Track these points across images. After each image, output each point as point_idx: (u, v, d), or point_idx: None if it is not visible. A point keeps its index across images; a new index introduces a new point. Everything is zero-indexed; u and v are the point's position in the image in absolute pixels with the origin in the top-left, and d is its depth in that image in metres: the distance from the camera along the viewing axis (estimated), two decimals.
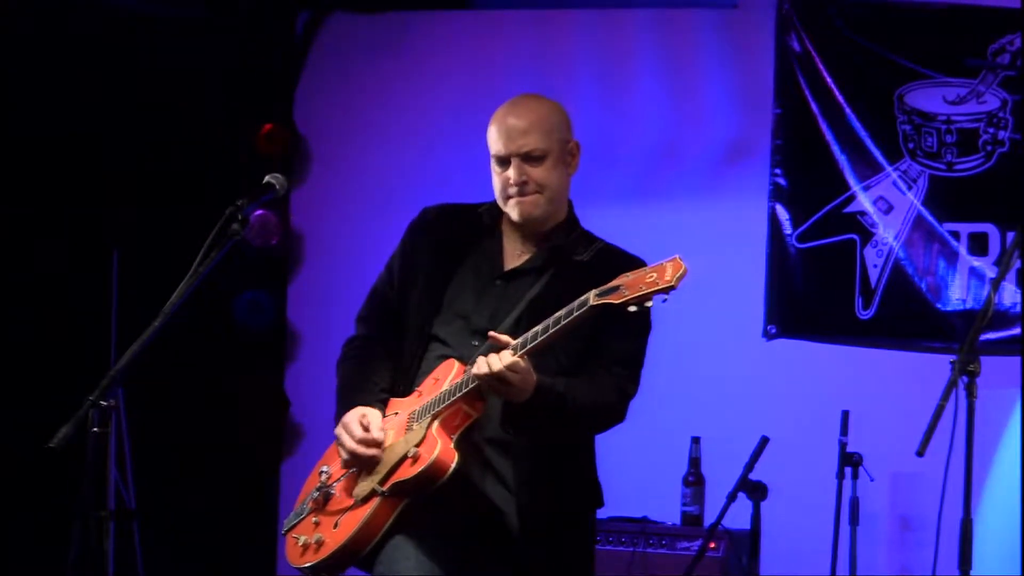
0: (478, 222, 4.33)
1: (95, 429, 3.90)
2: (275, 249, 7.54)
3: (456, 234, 4.33)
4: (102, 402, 3.90)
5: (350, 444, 4.15)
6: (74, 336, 7.16)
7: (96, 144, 7.29)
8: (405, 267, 4.36)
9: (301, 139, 7.65)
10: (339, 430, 4.19)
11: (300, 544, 4.21)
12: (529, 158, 4.19)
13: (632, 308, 3.87)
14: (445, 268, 4.29)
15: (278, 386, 7.63)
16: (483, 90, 7.21)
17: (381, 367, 4.30)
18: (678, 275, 3.84)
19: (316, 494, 4.25)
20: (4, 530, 7.05)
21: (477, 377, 3.99)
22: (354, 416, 4.19)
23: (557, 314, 3.95)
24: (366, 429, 4.15)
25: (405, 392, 4.25)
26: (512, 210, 4.24)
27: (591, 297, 3.91)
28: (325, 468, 4.27)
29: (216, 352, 7.49)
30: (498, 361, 3.96)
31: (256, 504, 7.52)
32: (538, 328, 3.97)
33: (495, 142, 4.23)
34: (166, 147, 7.40)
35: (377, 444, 4.14)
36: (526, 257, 4.26)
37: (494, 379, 3.96)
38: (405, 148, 7.47)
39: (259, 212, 7.31)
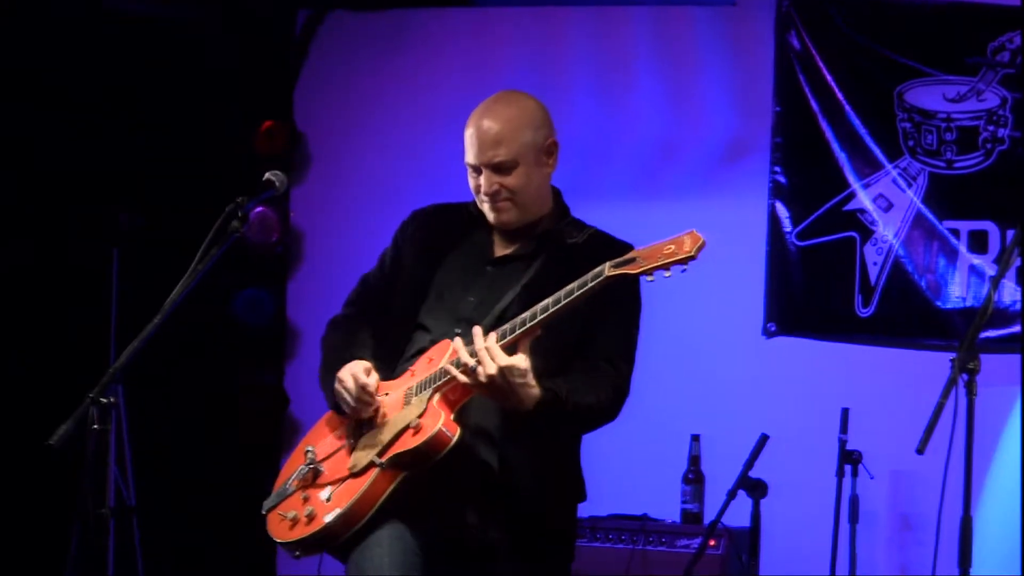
0: (467, 215, 4.33)
1: (95, 426, 3.91)
2: (275, 246, 7.55)
3: (445, 228, 4.34)
4: (102, 399, 3.92)
5: (355, 385, 4.11)
6: (74, 333, 7.16)
7: (97, 143, 7.29)
8: (395, 260, 4.37)
9: (301, 136, 7.66)
10: (343, 373, 4.15)
11: (288, 518, 4.16)
12: (499, 168, 4.19)
13: (650, 278, 3.87)
14: (433, 257, 4.30)
15: (278, 383, 7.64)
16: (482, 87, 7.13)
17: (366, 340, 4.29)
18: (697, 246, 3.83)
19: (305, 470, 4.21)
20: (4, 527, 7.06)
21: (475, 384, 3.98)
22: (358, 364, 4.16)
23: (569, 286, 3.93)
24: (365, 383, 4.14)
25: (388, 374, 4.23)
26: (487, 214, 4.26)
27: (607, 268, 3.89)
28: (310, 448, 4.25)
29: (216, 349, 7.50)
30: (492, 365, 3.94)
31: (256, 501, 7.51)
32: (549, 300, 3.95)
33: (467, 149, 4.23)
34: (166, 145, 7.41)
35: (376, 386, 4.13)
36: (516, 245, 4.26)
37: (493, 379, 3.94)
38: (405, 145, 7.48)
39: (259, 209, 7.32)
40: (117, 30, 7.31)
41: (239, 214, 4.12)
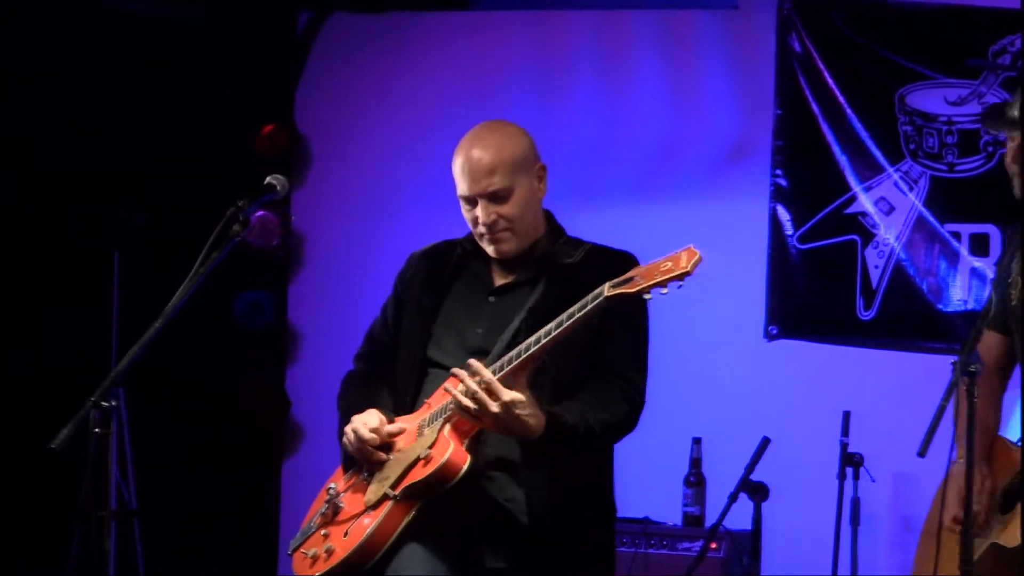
0: (462, 250, 4.33)
1: (96, 430, 3.90)
2: (276, 250, 7.54)
3: (443, 265, 4.34)
4: (103, 403, 3.91)
5: (361, 434, 4.14)
6: (75, 336, 7.15)
7: (97, 143, 7.29)
8: (397, 306, 4.38)
9: (302, 139, 7.65)
10: (348, 427, 4.18)
11: (309, 556, 4.18)
12: (496, 197, 4.17)
13: (647, 296, 3.88)
14: (435, 296, 4.30)
15: (279, 386, 7.63)
16: (483, 90, 7.22)
17: (383, 395, 4.30)
18: (693, 261, 3.84)
19: (324, 508, 4.23)
20: (6, 530, 7.05)
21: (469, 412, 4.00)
22: (361, 416, 4.19)
23: (570, 309, 3.94)
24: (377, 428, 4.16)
25: (406, 413, 4.24)
26: (486, 247, 4.25)
27: (605, 288, 3.90)
28: (332, 485, 4.27)
29: (217, 352, 7.49)
30: (495, 404, 3.95)
31: (257, 504, 7.52)
32: (551, 325, 3.96)
33: (459, 182, 4.21)
34: (167, 147, 7.40)
35: (385, 435, 4.15)
36: (515, 273, 4.26)
37: (498, 416, 3.96)
38: (406, 148, 7.47)
39: (260, 213, 7.28)
40: (117, 30, 7.30)
41: (240, 218, 4.11)
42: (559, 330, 3.94)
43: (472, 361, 4.02)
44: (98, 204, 7.29)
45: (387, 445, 4.17)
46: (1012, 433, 6.43)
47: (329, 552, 4.13)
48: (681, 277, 3.85)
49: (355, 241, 7.46)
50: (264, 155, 7.46)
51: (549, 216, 4.31)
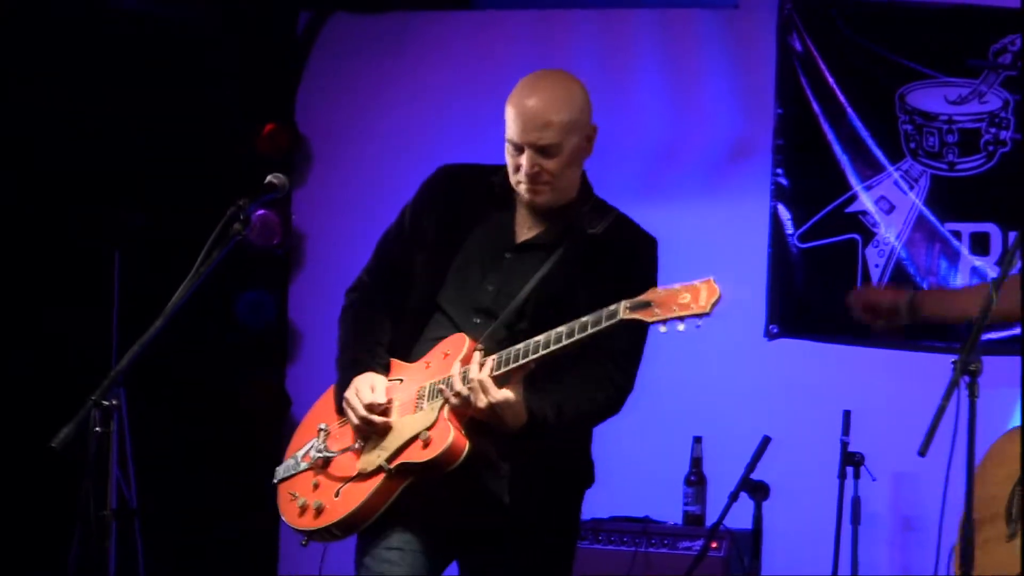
0: (491, 190, 4.25)
1: (97, 429, 3.91)
2: (277, 249, 7.54)
3: (468, 200, 4.27)
4: (104, 402, 3.91)
5: (360, 412, 4.13)
6: (76, 335, 7.15)
7: (97, 143, 7.29)
8: (415, 224, 4.31)
9: (302, 139, 7.65)
10: (349, 393, 4.17)
11: (298, 504, 4.19)
12: (544, 151, 4.11)
13: (662, 329, 3.85)
14: (454, 235, 4.25)
15: (279, 385, 7.63)
16: (484, 90, 7.21)
17: (382, 322, 4.28)
18: (712, 301, 3.79)
19: (316, 456, 4.23)
20: (6, 530, 7.05)
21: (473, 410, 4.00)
22: (365, 381, 4.17)
23: (583, 320, 3.90)
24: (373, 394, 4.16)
25: (404, 356, 4.23)
26: (521, 193, 4.19)
27: (621, 309, 3.86)
28: (323, 425, 4.26)
29: (218, 352, 7.49)
30: (484, 399, 3.96)
31: (257, 504, 7.50)
32: (562, 330, 3.93)
33: (510, 125, 4.13)
34: (167, 147, 7.40)
35: (383, 411, 4.14)
36: (538, 230, 4.22)
37: (482, 411, 3.97)
38: (406, 148, 7.46)
39: (261, 212, 7.30)
40: (117, 30, 7.30)
41: (241, 217, 4.11)
42: (569, 341, 3.92)
43: (475, 355, 4.02)
44: (98, 204, 7.29)
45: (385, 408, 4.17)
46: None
47: (319, 509, 4.14)
48: (699, 317, 3.81)
49: (355, 240, 7.42)
50: (265, 155, 7.47)
51: (583, 174, 4.27)
